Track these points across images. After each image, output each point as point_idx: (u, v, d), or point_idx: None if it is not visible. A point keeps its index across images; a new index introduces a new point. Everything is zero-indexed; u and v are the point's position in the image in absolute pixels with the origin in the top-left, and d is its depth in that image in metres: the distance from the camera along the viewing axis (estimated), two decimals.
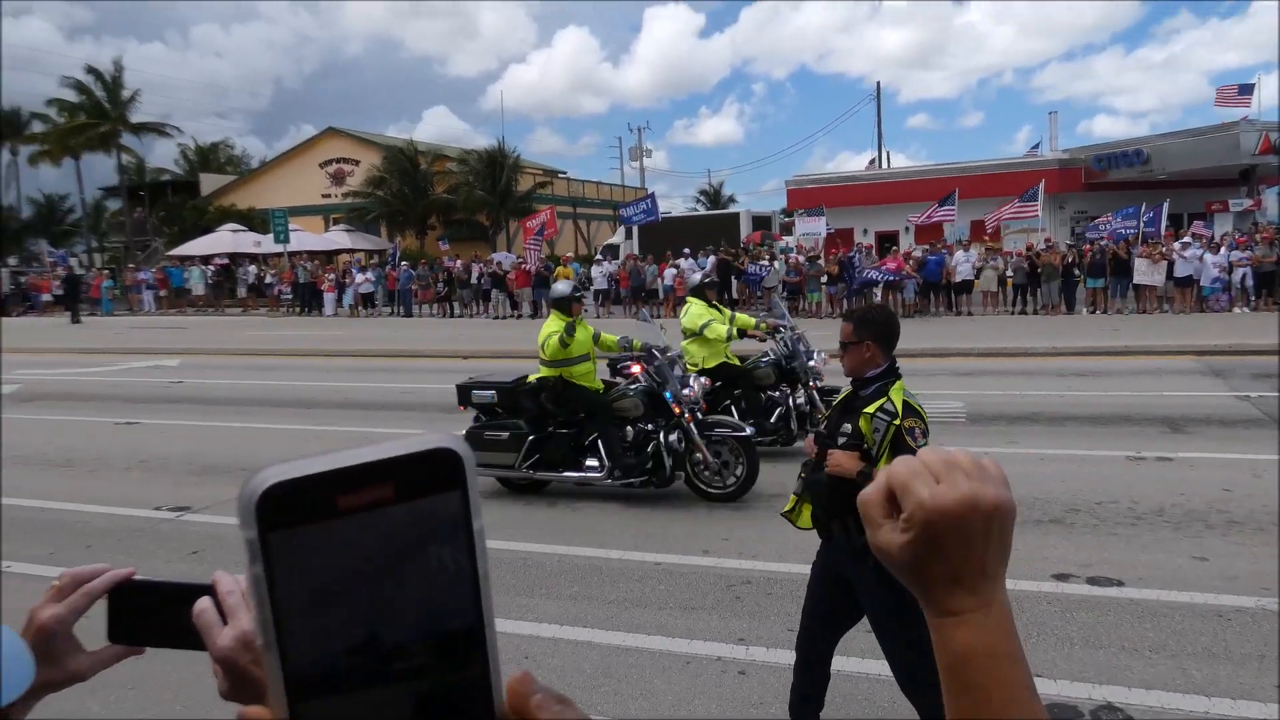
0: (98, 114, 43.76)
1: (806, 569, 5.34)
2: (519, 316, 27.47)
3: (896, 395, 3.41)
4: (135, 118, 45.00)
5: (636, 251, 29.09)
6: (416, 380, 14.25)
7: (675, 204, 65.72)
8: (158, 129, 47.20)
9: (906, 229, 31.55)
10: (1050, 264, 22.41)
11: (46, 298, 35.44)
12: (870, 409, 3.39)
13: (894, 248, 26.99)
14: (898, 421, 3.33)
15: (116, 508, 7.28)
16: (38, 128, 49.69)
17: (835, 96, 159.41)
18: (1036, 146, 35.71)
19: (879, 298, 23.22)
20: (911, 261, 23.92)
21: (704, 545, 6.05)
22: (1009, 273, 23.68)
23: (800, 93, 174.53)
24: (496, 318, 27.47)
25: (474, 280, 28.56)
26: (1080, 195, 30.73)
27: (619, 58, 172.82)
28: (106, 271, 38.13)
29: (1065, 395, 11.09)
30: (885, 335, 3.52)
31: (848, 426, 3.43)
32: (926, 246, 25.16)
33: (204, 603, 0.90)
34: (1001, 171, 30.68)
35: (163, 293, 34.35)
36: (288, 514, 0.41)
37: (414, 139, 44.37)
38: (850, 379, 3.58)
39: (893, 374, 3.51)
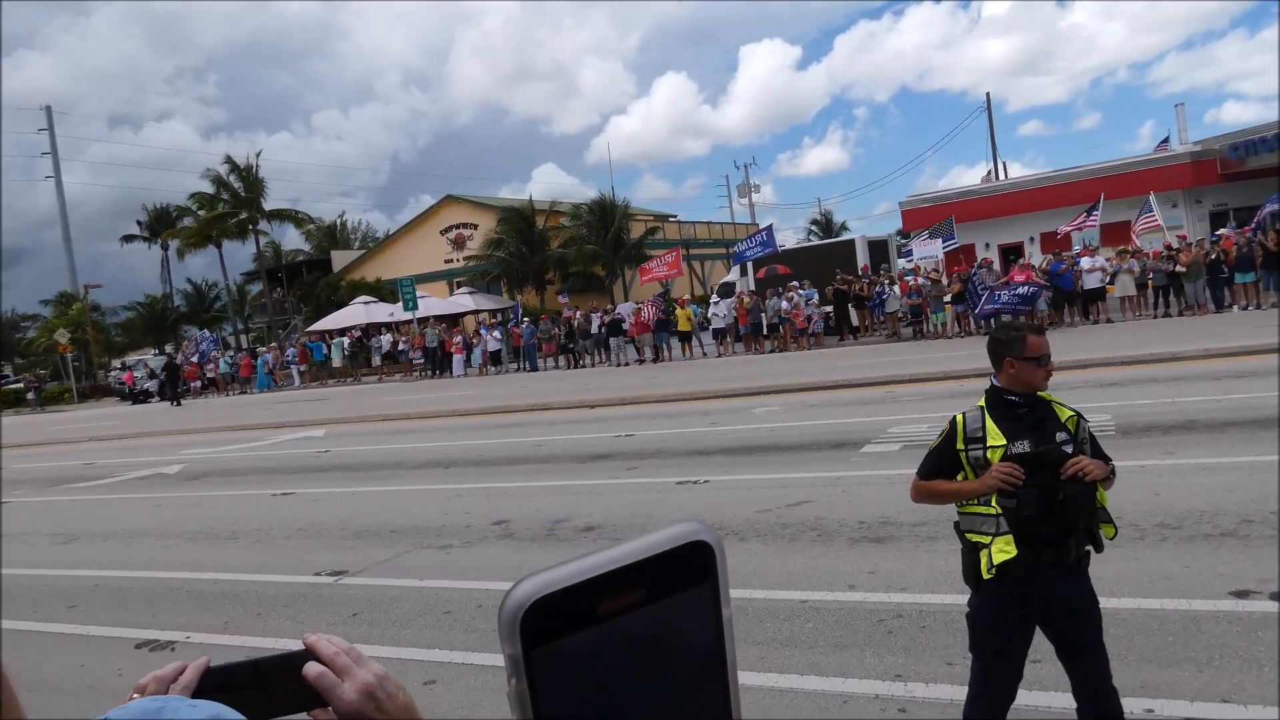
0: (236, 204, 46.86)
1: (959, 599, 5.17)
2: (641, 362, 27.73)
3: (1055, 398, 3.41)
4: (268, 204, 47.97)
5: (753, 287, 29.03)
6: (548, 433, 14.53)
7: (786, 236, 65.26)
8: (289, 215, 50.14)
9: (1031, 240, 30.51)
10: (1196, 261, 21.21)
11: (196, 384, 37.82)
12: (1067, 413, 3.34)
13: (1018, 260, 26.10)
14: (1087, 422, 3.35)
15: (280, 575, 7.67)
16: (185, 222, 53.63)
17: (941, 113, 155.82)
18: (1165, 141, 34.04)
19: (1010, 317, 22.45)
20: (1037, 272, 23.05)
21: (849, 580, 5.94)
22: (1149, 275, 22.51)
23: (904, 113, 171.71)
24: (617, 365, 27.80)
25: (595, 330, 29.04)
26: (1218, 188, 29.11)
27: (717, 98, 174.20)
28: (258, 350, 40.38)
29: (1223, 400, 10.43)
30: None
31: (1064, 435, 3.29)
32: (1051, 255, 24.22)
33: (317, 666, 0.98)
34: (1132, 171, 29.36)
35: (304, 367, 36.19)
36: (549, 628, 0.43)
37: (527, 198, 45.73)
38: (1014, 395, 3.40)
39: None
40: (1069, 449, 3.25)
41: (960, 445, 3.40)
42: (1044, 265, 23.63)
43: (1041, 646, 3.41)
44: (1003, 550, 3.28)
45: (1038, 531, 3.25)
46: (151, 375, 38.76)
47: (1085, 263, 22.87)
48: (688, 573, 0.46)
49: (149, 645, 6.15)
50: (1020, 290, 21.95)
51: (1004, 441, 3.30)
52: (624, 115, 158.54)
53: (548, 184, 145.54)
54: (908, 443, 10.13)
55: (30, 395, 42.84)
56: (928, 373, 16.19)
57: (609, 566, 0.44)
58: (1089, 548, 3.33)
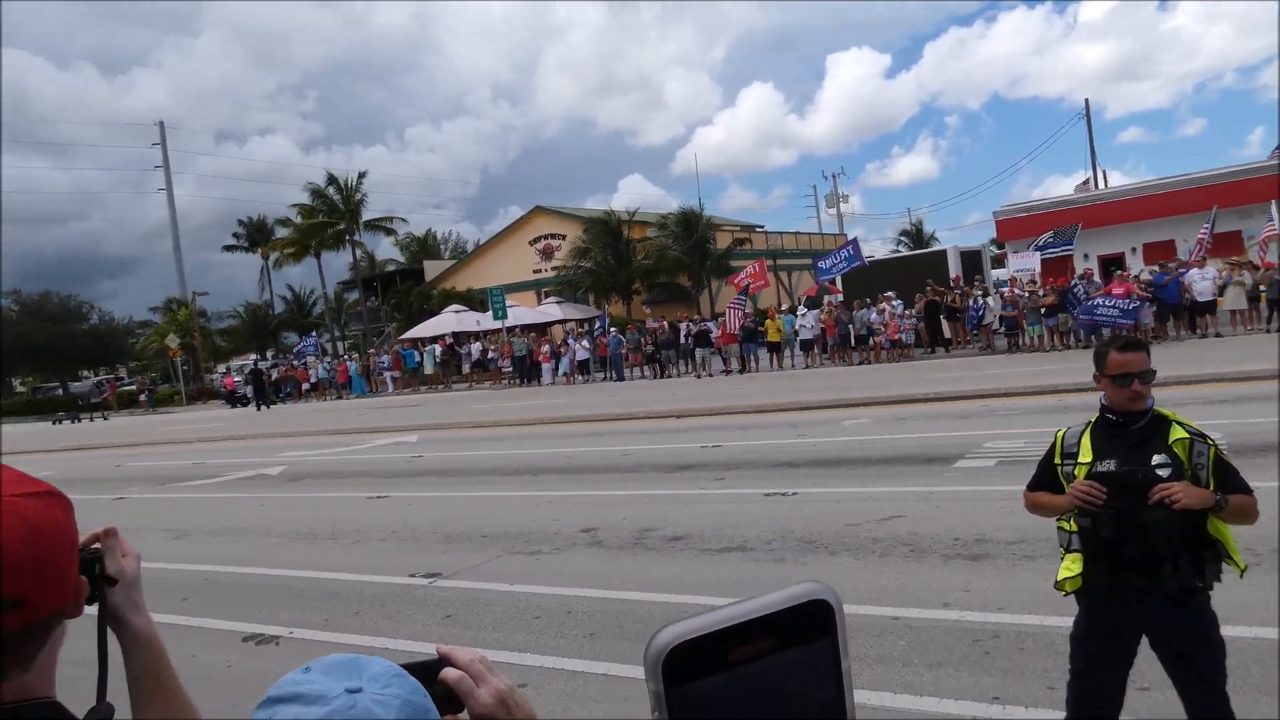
0: (333, 215, 48.47)
1: (1062, 622, 5.03)
2: (728, 373, 27.66)
3: (1177, 416, 3.24)
4: (364, 216, 49.48)
5: (841, 299, 28.70)
6: (634, 442, 14.63)
7: (875, 247, 64.36)
8: (384, 225, 51.62)
9: (1134, 250, 29.45)
10: None
11: (307, 384, 39.20)
12: (1178, 435, 3.17)
13: (1118, 271, 25.21)
14: (1210, 443, 3.15)
15: (377, 575, 7.90)
16: (282, 233, 55.72)
17: (1034, 121, 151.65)
18: None
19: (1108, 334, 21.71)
20: (1139, 284, 22.22)
21: (944, 598, 5.83)
22: (1262, 287, 21.48)
23: (996, 121, 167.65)
24: (699, 376, 27.78)
25: (682, 340, 29.09)
26: None
27: (803, 108, 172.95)
28: (355, 357, 41.62)
29: None
30: None
31: (1164, 458, 3.14)
32: (1155, 267, 23.32)
33: (456, 671, 1.06)
34: (1243, 179, 28.09)
35: (397, 374, 37.15)
36: (687, 670, 0.49)
37: (613, 209, 46.12)
38: (1112, 413, 3.30)
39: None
40: (1165, 473, 3.11)
41: (1057, 459, 3.38)
42: (1148, 276, 22.77)
43: (1151, 673, 3.31)
44: (1067, 568, 3.29)
45: (1118, 554, 3.17)
46: (246, 381, 40.45)
47: (1195, 274, 21.95)
48: (811, 627, 0.51)
49: (255, 639, 6.40)
50: (1120, 303, 21.19)
51: (1090, 459, 3.25)
52: (709, 126, 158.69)
53: (633, 195, 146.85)
54: (1003, 458, 9.88)
55: (143, 397, 44.96)
56: (1024, 386, 15.76)
57: (740, 619, 0.51)
58: (1199, 581, 3.13)
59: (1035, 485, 3.49)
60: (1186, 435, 3.18)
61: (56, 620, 1.17)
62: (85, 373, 61.56)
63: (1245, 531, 6.15)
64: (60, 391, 55.48)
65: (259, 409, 36.24)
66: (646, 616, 6.06)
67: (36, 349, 53.40)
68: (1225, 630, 3.23)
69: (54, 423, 41.35)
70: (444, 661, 1.08)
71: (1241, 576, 3.23)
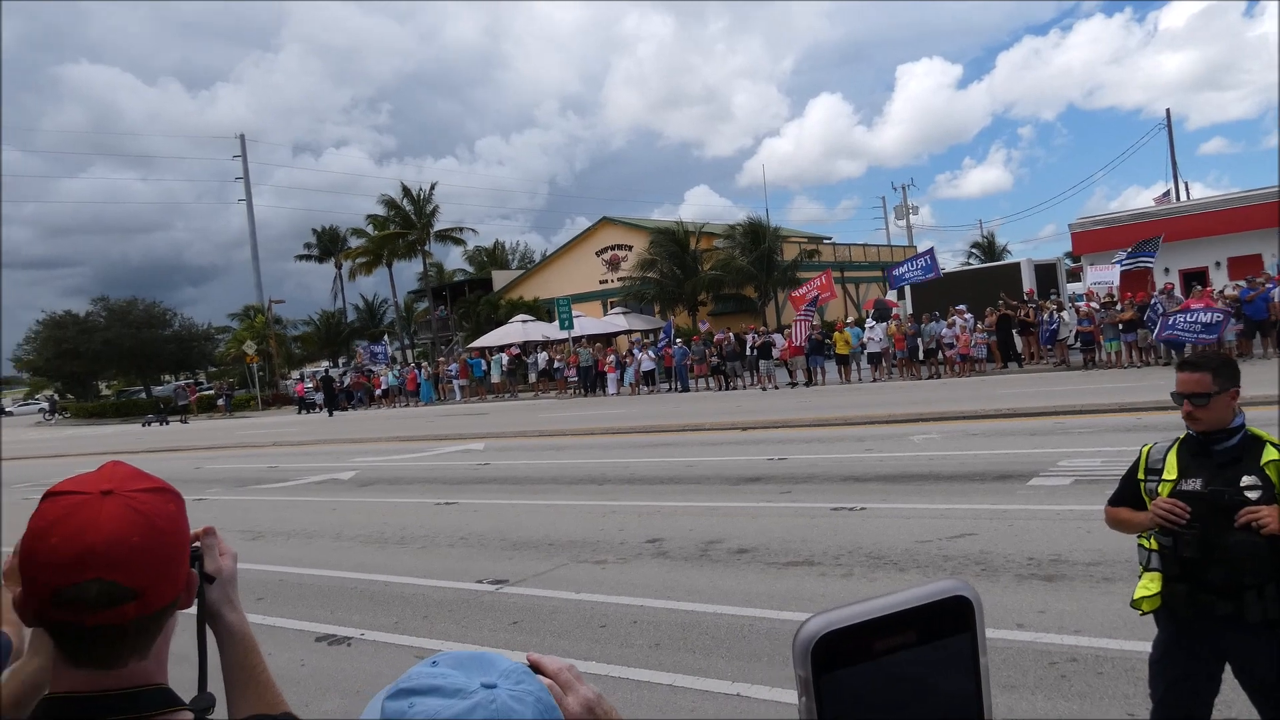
0: (406, 225, 49.42)
1: (1142, 646, 4.88)
2: (794, 385, 27.45)
3: (1272, 438, 3.12)
4: (436, 226, 50.34)
5: (910, 311, 28.29)
6: (699, 454, 14.60)
7: (944, 259, 63.28)
8: (455, 236, 52.46)
9: (1217, 265, 28.51)
10: None
11: (379, 391, 40.02)
12: (1272, 456, 3.05)
13: (1198, 286, 24.41)
14: None
15: (445, 581, 8.01)
16: (354, 243, 57.03)
17: (1111, 131, 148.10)
18: None
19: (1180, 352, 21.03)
20: (1221, 300, 21.46)
21: (1017, 619, 5.69)
22: None
23: (1072, 132, 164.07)
24: (764, 389, 27.60)
25: (748, 352, 28.96)
26: None
27: (872, 119, 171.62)
28: (424, 365, 42.30)
29: None
30: (1238, 379, 3.20)
31: (1253, 479, 3.03)
32: (1241, 282, 22.51)
33: (544, 679, 1.06)
34: None
35: (465, 382, 37.67)
36: (833, 658, 0.51)
37: (680, 220, 46.17)
38: (1198, 432, 3.21)
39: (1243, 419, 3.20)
40: (1255, 495, 3.00)
41: (1141, 475, 3.31)
42: (1233, 292, 22.00)
43: (1239, 701, 3.19)
44: (1145, 587, 3.22)
45: (1201, 577, 3.07)
46: (317, 388, 41.51)
47: None
48: (951, 623, 0.54)
49: (328, 639, 6.54)
50: (1201, 318, 20.49)
51: (1175, 476, 3.18)
52: (777, 137, 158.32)
53: (700, 206, 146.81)
54: (1080, 477, 9.63)
55: (220, 401, 46.31)
56: (1101, 404, 15.34)
57: (884, 611, 0.52)
58: None
59: (1117, 500, 3.42)
60: (1279, 457, 3.07)
61: (170, 610, 1.23)
62: (167, 377, 63.68)
63: None
64: (144, 395, 57.46)
65: (330, 414, 37.17)
66: (712, 628, 6.04)
67: (123, 354, 55.45)
68: None
69: (143, 425, 42.84)
70: (533, 669, 1.10)
71: None
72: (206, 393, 47.53)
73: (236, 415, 45.51)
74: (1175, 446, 3.28)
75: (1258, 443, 3.14)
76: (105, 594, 1.11)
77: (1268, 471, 3.04)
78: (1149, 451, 3.33)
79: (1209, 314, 20.49)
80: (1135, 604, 3.26)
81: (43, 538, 1.13)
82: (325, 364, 56.03)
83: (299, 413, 41.50)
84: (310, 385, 42.94)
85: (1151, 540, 3.21)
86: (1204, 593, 3.08)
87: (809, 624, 0.52)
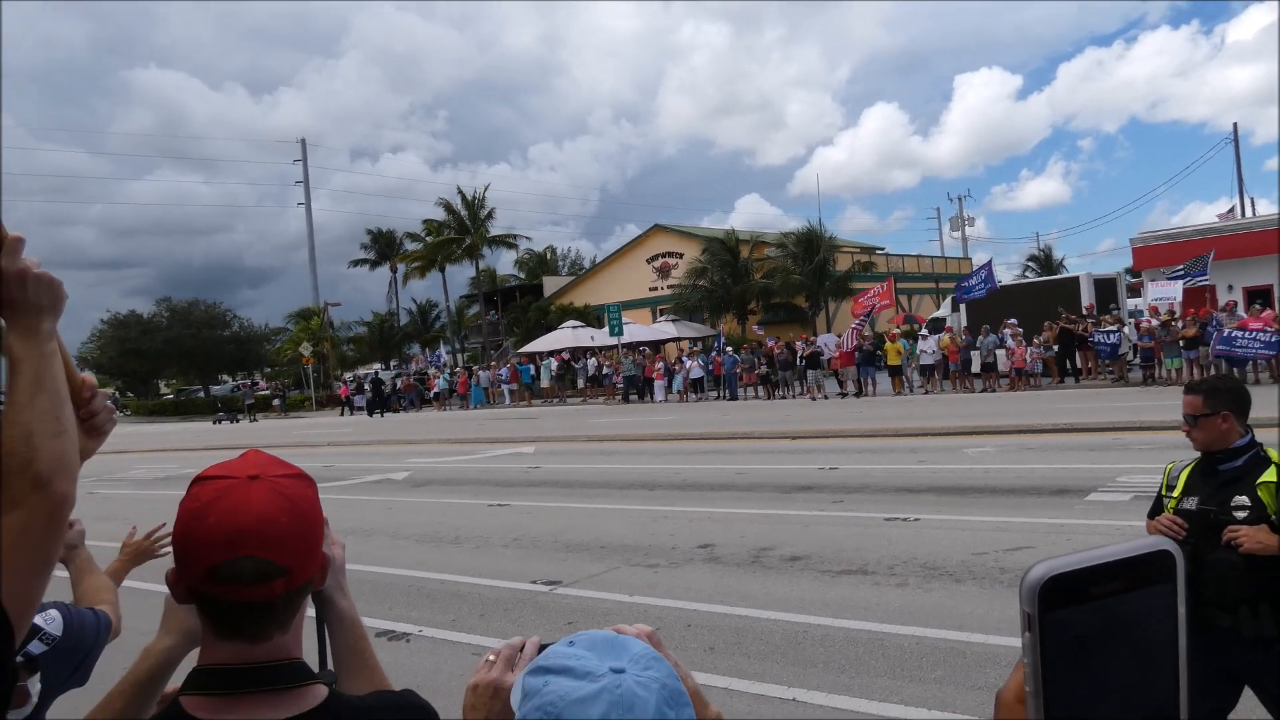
0: (460, 230, 50.06)
1: None
2: (844, 395, 27.27)
3: None
4: (490, 232, 50.91)
5: (965, 323, 27.97)
6: (749, 461, 14.59)
7: (1000, 271, 62.40)
8: (508, 241, 52.99)
9: None
10: None
11: (432, 394, 40.62)
12: (1268, 478, 3.14)
13: (1256, 305, 23.79)
14: None
15: (499, 580, 8.12)
16: (409, 247, 57.86)
17: (1174, 146, 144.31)
18: None
19: (1241, 368, 20.60)
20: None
21: None
22: None
23: (1134, 145, 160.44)
24: (814, 398, 27.45)
25: (798, 362, 28.84)
26: None
27: (928, 129, 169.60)
28: (474, 369, 42.80)
29: None
30: (1240, 404, 3.29)
31: (1243, 499, 3.14)
32: None
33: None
34: None
35: (514, 386, 38.01)
36: (1056, 598, 0.59)
37: (732, 228, 46.14)
38: (1202, 452, 3.36)
39: (1258, 443, 3.28)
40: (1242, 514, 3.12)
41: (1163, 491, 3.50)
42: None
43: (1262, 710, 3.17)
44: None
45: (1198, 591, 3.18)
46: (359, 389, 42.34)
47: None
48: (1156, 573, 0.62)
49: (387, 635, 6.67)
50: (1260, 335, 20.06)
51: (1180, 494, 3.36)
52: (830, 146, 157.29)
53: (750, 214, 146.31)
54: (1139, 493, 9.45)
55: (276, 401, 47.26)
56: (1160, 421, 15.00)
57: (1104, 559, 0.61)
58: (1275, 630, 3.06)
59: (1152, 514, 3.56)
60: (1275, 479, 3.13)
61: (309, 588, 1.31)
62: (224, 377, 65.16)
63: None
64: (202, 394, 58.83)
65: (370, 416, 37.88)
66: (765, 634, 6.06)
67: (183, 353, 56.86)
68: None
69: (214, 422, 43.94)
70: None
71: None
72: (263, 393, 48.47)
73: (291, 415, 46.39)
74: (1191, 465, 3.43)
75: (1263, 464, 3.20)
76: (258, 570, 1.19)
77: (1260, 492, 3.13)
78: (1171, 469, 3.51)
79: (1267, 334, 20.06)
80: None
81: (199, 517, 1.20)
82: (377, 366, 56.90)
83: (341, 414, 42.21)
84: (353, 386, 43.77)
85: None
86: (1204, 607, 3.18)
87: (1035, 568, 0.60)
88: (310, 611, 1.39)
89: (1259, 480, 3.15)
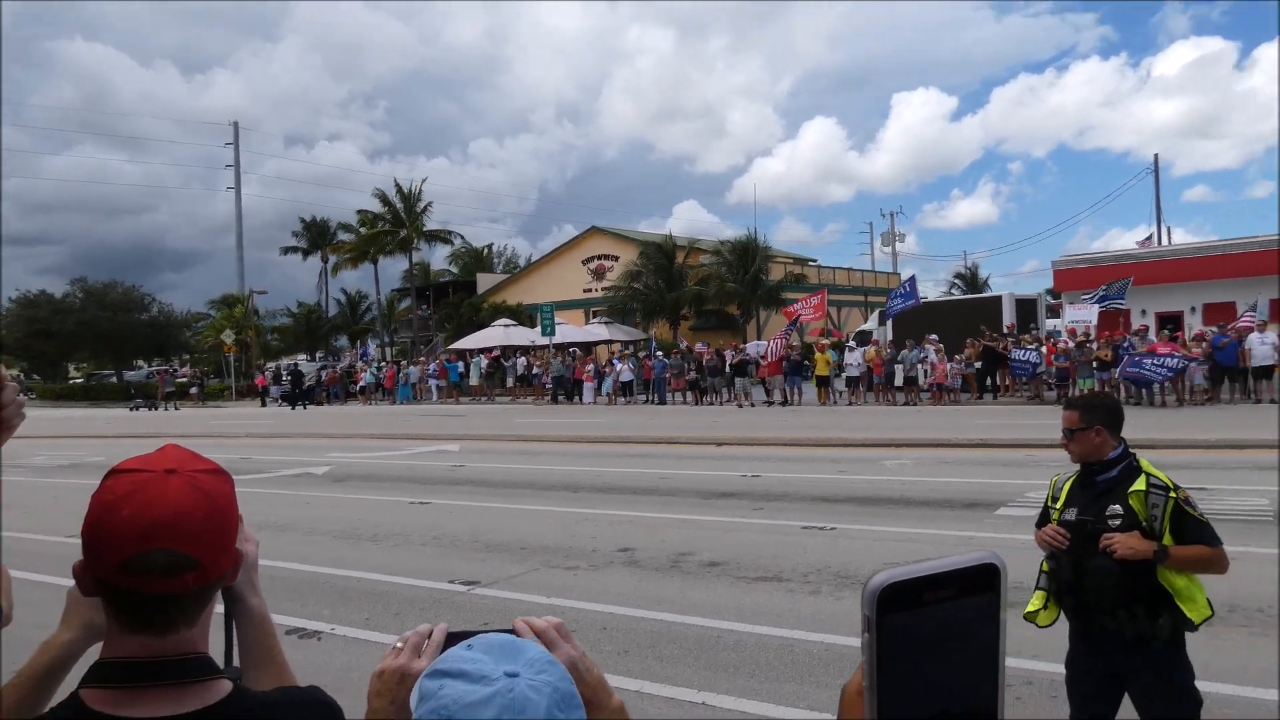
0: (396, 223, 49.38)
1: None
2: (770, 404, 27.62)
3: (1154, 470, 3.39)
4: (425, 226, 50.31)
5: (891, 337, 28.59)
6: (674, 466, 14.70)
7: (927, 288, 63.85)
8: (444, 236, 52.43)
9: (1193, 309, 28.99)
10: None
11: (358, 387, 39.96)
12: (1137, 486, 3.34)
13: (1166, 330, 24.84)
14: (1173, 494, 3.30)
15: (417, 579, 8.05)
16: (342, 237, 56.87)
17: (1099, 173, 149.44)
18: None
19: (1149, 390, 21.57)
20: (1204, 344, 21.89)
21: None
22: None
23: (1061, 170, 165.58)
24: (741, 405, 27.76)
25: (727, 369, 29.12)
26: None
27: (865, 145, 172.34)
28: (404, 364, 42.17)
29: None
30: (1113, 419, 3.51)
31: (1116, 508, 3.35)
32: (1215, 328, 22.93)
33: (529, 635, 1.17)
34: None
35: (443, 383, 37.62)
36: (893, 602, 0.67)
37: (670, 233, 46.38)
38: (1079, 464, 3.57)
39: (1131, 454, 3.49)
40: (1115, 523, 3.32)
41: (1049, 502, 3.68)
42: (1207, 336, 22.42)
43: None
44: (1031, 604, 3.61)
45: (1076, 598, 3.42)
46: (277, 380, 41.66)
47: (1255, 339, 21.58)
48: (982, 584, 0.69)
49: (298, 633, 6.57)
50: (1166, 361, 21.02)
51: (1062, 505, 3.55)
52: (769, 157, 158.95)
53: (687, 220, 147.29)
54: None
55: (194, 390, 45.90)
56: None
57: (936, 570, 0.67)
58: (1157, 633, 3.26)
59: (1039, 524, 3.73)
60: (1144, 487, 3.34)
61: (220, 583, 1.32)
62: (140, 362, 63.00)
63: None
64: (115, 379, 56.84)
65: (292, 408, 37.29)
66: (680, 638, 6.13)
67: (97, 336, 54.82)
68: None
69: (131, 409, 42.32)
70: (520, 629, 1.19)
71: (1195, 629, 3.31)
72: (181, 381, 46.97)
73: (209, 405, 45.17)
74: (1072, 478, 3.62)
75: (1135, 474, 3.41)
76: (171, 563, 1.19)
77: (1131, 501, 3.33)
78: (1055, 481, 3.69)
79: (1174, 359, 21.01)
80: (1027, 618, 3.61)
81: (114, 510, 1.20)
82: (302, 357, 55.74)
83: (262, 404, 41.33)
84: (270, 377, 42.93)
85: (1045, 563, 3.58)
86: (1087, 612, 3.40)
87: (876, 577, 0.68)
88: (219, 608, 1.40)
89: (1129, 490, 3.35)
